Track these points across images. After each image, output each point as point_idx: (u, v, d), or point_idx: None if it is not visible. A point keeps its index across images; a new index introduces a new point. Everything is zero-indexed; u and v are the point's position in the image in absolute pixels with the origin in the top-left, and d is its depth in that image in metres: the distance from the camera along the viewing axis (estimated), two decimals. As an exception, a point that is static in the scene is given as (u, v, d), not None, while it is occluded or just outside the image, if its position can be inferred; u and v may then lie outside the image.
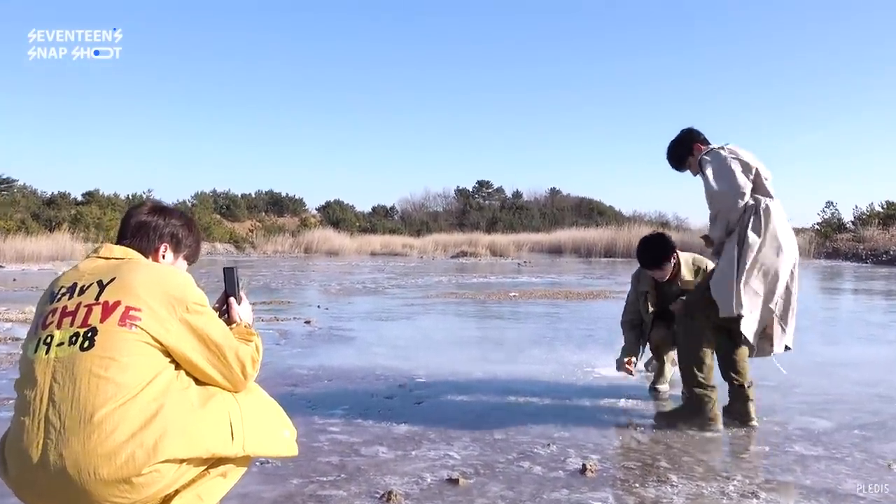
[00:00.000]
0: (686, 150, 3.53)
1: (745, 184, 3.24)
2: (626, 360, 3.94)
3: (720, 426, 3.32)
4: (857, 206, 29.86)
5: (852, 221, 29.46)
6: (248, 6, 63.75)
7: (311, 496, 2.50)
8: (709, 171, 3.30)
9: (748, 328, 3.23)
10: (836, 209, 30.99)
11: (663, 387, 4.18)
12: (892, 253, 23.03)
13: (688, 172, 3.58)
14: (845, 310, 9.73)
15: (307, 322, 7.41)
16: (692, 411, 3.36)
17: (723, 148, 3.37)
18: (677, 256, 3.93)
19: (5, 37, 47.58)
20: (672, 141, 3.61)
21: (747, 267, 3.18)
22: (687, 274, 3.94)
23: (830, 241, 27.29)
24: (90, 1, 51.80)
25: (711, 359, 3.39)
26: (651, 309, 4.03)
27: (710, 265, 3.93)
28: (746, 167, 3.28)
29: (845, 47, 60.88)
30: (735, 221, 3.25)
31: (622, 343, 4.08)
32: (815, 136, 61.17)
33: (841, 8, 59.61)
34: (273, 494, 2.51)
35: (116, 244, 1.89)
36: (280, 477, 2.68)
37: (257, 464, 2.75)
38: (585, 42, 67.82)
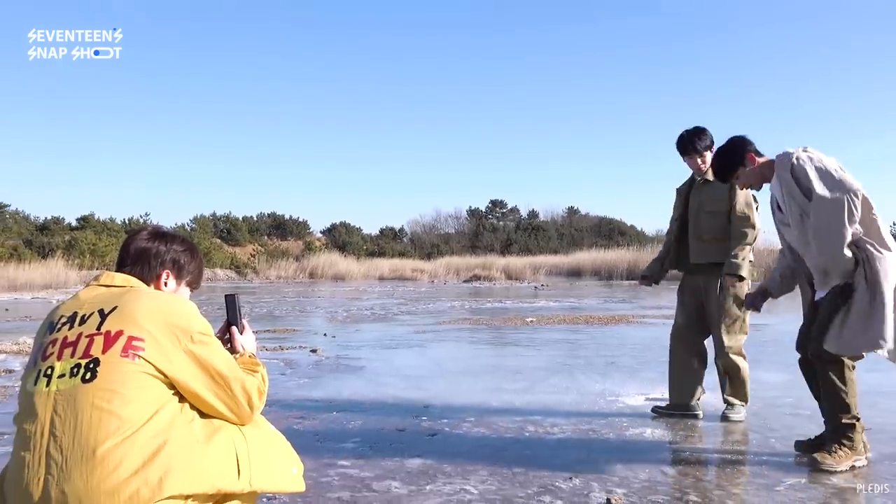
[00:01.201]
0: (738, 159, 3.42)
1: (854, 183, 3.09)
2: (643, 275, 4.46)
3: (868, 456, 3.25)
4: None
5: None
6: (249, 14, 64.69)
7: (319, 535, 2.51)
8: (811, 171, 3.12)
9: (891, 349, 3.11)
10: (894, 226, 30.70)
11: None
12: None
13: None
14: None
15: (313, 351, 7.45)
16: (843, 443, 3.22)
17: (806, 149, 3.24)
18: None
19: (5, 37, 48.97)
20: (721, 148, 3.53)
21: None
22: (711, 176, 3.98)
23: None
24: (90, 1, 52.99)
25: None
26: (678, 213, 4.29)
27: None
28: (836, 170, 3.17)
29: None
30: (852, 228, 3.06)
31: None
32: (870, 144, 60.57)
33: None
34: (280, 533, 2.52)
35: (116, 271, 1.93)
36: (287, 515, 2.69)
37: (264, 500, 2.76)
38: (604, 56, 68.25)
